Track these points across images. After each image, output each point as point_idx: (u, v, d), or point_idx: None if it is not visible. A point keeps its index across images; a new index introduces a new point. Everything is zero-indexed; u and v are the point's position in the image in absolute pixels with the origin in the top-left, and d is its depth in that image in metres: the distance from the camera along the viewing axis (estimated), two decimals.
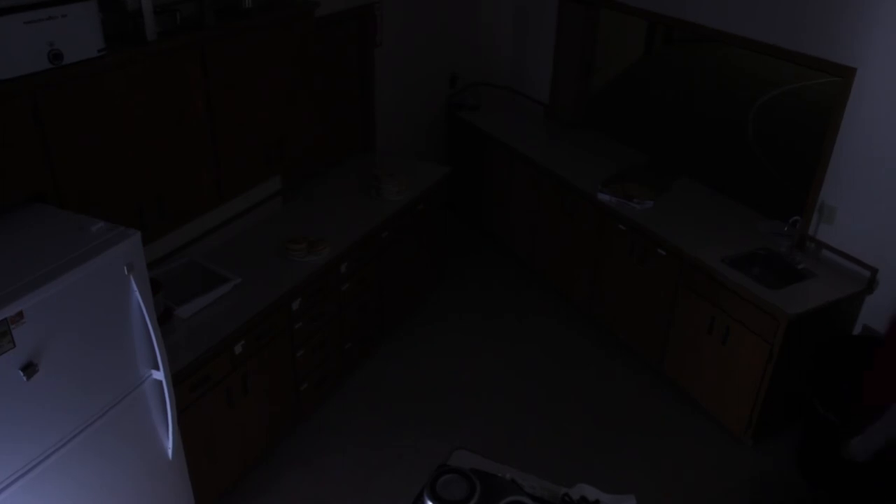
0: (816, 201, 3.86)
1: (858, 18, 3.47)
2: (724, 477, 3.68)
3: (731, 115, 8.54)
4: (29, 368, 2.02)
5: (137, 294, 2.32)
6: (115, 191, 2.73)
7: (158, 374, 2.47)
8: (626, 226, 4.25)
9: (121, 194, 2.76)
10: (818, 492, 3.58)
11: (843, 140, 3.68)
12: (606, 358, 4.50)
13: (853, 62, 3.54)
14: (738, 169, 7.00)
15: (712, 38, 4.29)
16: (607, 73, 8.67)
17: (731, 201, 4.46)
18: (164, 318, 3.06)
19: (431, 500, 2.10)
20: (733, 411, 3.83)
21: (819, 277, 3.72)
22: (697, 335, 3.91)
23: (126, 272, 2.28)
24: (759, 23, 3.93)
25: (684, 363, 4.08)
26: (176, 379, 2.74)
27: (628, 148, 5.18)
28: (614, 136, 5.42)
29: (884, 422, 2.66)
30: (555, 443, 3.86)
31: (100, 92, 2.57)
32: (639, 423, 4.02)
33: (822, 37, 3.64)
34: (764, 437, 3.84)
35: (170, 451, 2.62)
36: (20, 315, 1.97)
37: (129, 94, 2.68)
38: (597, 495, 2.30)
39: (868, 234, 3.65)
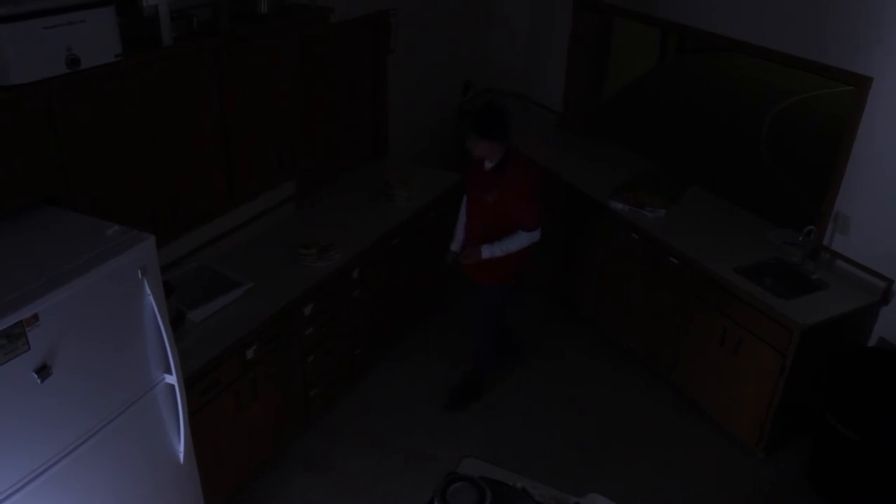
0: (831, 211, 3.83)
1: (874, 28, 3.45)
2: (734, 489, 3.65)
3: (743, 123, 8.50)
4: (43, 371, 2.03)
5: (151, 298, 2.33)
6: (127, 194, 2.75)
7: (171, 378, 2.48)
8: (637, 234, 4.22)
9: (133, 198, 2.77)
10: None
11: (858, 149, 3.65)
12: (616, 367, 4.47)
13: (869, 71, 3.52)
14: (750, 177, 6.96)
15: (726, 47, 4.27)
16: (620, 81, 8.66)
17: (743, 210, 4.43)
18: (176, 322, 3.07)
19: None
20: (744, 423, 3.80)
21: (833, 288, 3.68)
22: (709, 345, 3.89)
23: (140, 276, 2.29)
24: (773, 31, 3.91)
25: (695, 373, 4.05)
26: (187, 382, 2.74)
27: (640, 156, 5.16)
28: (626, 144, 5.40)
29: (504, 243, 3.64)
30: (564, 452, 3.84)
31: (114, 96, 2.58)
32: (649, 433, 3.99)
33: (837, 46, 3.62)
34: (775, 450, 3.80)
35: (181, 455, 2.63)
36: (35, 317, 1.98)
37: (143, 98, 2.69)
38: None
39: (883, 244, 3.62)
